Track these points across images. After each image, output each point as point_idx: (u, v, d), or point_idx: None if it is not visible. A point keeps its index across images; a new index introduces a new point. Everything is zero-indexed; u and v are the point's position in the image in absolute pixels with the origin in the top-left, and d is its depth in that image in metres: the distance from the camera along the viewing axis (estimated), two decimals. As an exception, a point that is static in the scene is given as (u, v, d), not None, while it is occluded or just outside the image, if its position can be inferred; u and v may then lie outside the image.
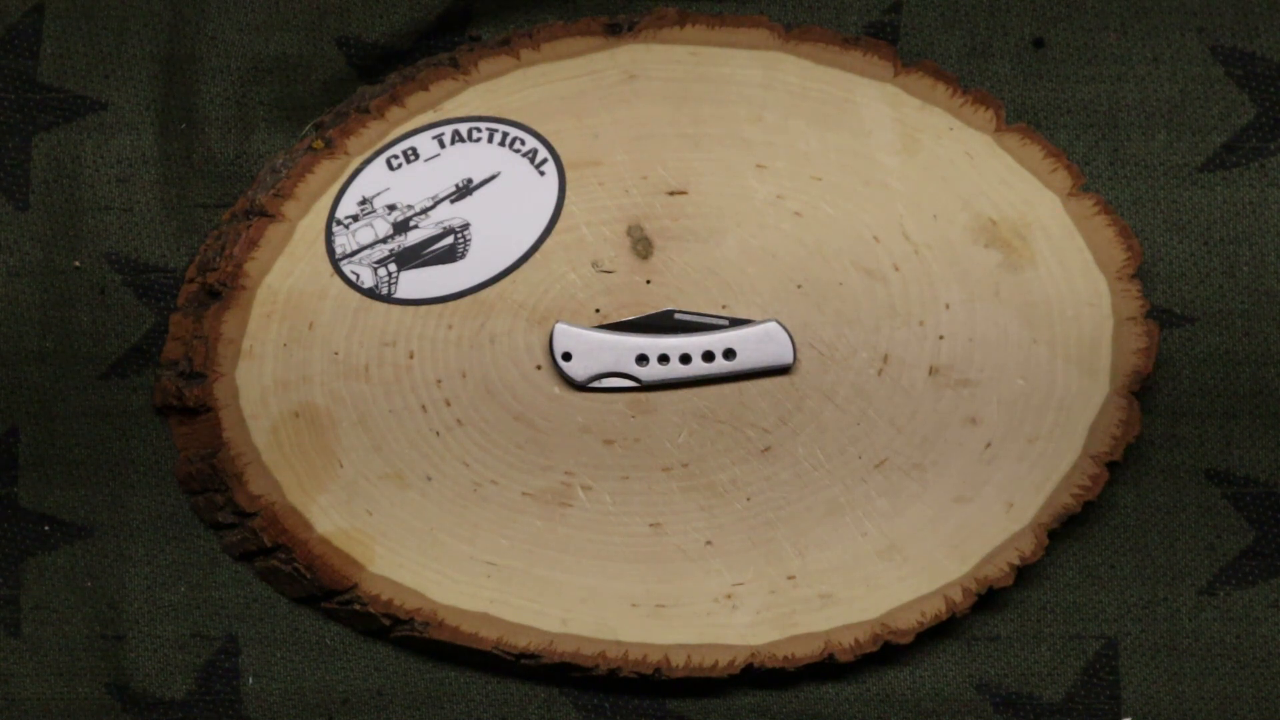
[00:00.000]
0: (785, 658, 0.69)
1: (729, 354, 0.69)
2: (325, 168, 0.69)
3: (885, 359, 0.70)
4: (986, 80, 0.72)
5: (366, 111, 0.69)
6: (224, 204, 0.71)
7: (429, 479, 0.69)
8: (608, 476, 0.70)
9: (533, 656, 0.69)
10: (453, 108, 0.69)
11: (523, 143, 0.69)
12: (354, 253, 0.69)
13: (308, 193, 0.69)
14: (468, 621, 0.69)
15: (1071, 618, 0.72)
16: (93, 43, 0.71)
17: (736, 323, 0.69)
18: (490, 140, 0.69)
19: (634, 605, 0.69)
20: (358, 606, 0.69)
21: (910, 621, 0.69)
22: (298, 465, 0.69)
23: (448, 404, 0.69)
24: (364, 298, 0.69)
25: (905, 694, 0.71)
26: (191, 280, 0.70)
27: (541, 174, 0.69)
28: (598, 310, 0.70)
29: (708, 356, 0.69)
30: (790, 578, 0.69)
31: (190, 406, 0.69)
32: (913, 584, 0.69)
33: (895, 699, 0.71)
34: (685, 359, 0.69)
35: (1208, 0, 0.72)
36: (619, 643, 0.69)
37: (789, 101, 0.70)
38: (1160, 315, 0.71)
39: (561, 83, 0.70)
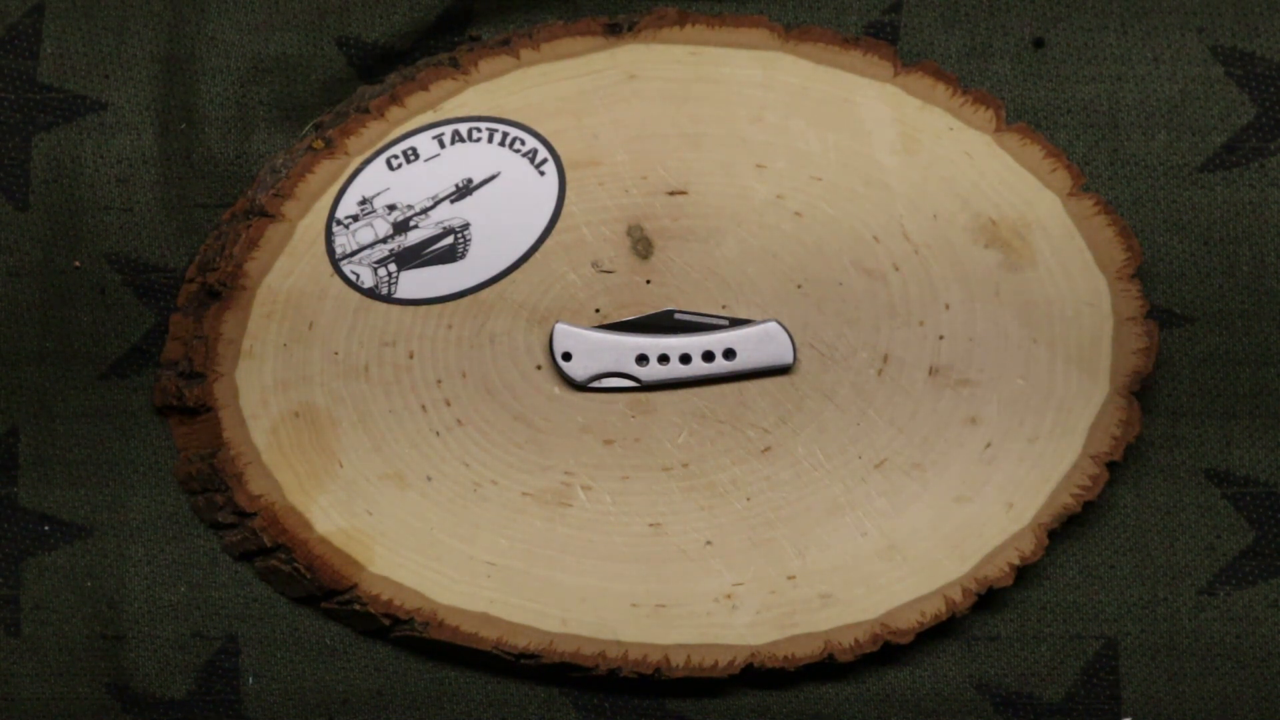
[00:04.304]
0: (785, 658, 0.69)
1: (729, 354, 0.69)
2: (325, 168, 0.69)
3: (885, 359, 0.70)
4: (986, 80, 0.72)
5: (366, 111, 0.69)
6: (224, 204, 0.71)
7: (429, 479, 0.69)
8: (608, 476, 0.70)
9: (533, 656, 0.69)
10: (453, 108, 0.69)
11: (523, 143, 0.69)
12: (354, 253, 0.69)
13: (308, 193, 0.69)
14: (468, 621, 0.69)
15: (1071, 618, 0.72)
16: (93, 43, 0.71)
17: (736, 323, 0.69)
18: (490, 140, 0.69)
19: (634, 605, 0.69)
20: (358, 606, 0.69)
21: (910, 621, 0.69)
22: (298, 465, 0.69)
23: (448, 404, 0.69)
24: (364, 298, 0.69)
25: (905, 694, 0.71)
26: (191, 280, 0.70)
27: (541, 174, 0.69)
28: (598, 310, 0.70)
29: (708, 356, 0.69)
30: (790, 578, 0.69)
31: (190, 406, 0.69)
32: (913, 584, 0.69)
33: (895, 699, 0.71)
34: (685, 359, 0.69)
35: (1208, 0, 0.72)
36: (619, 643, 0.69)
37: (789, 101, 0.70)
38: (1160, 315, 0.71)
39: (561, 83, 0.70)
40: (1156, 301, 0.71)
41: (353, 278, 0.69)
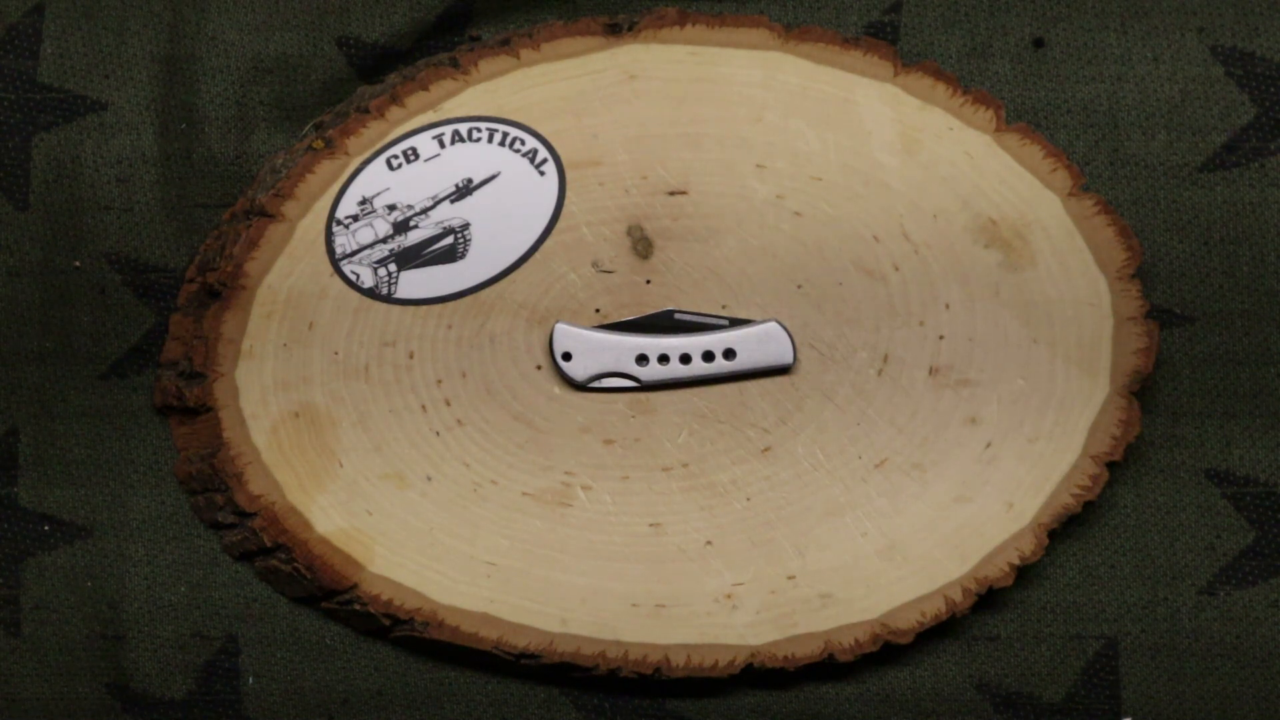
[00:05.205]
0: (785, 658, 0.69)
1: (729, 354, 0.69)
2: (325, 168, 0.69)
3: (885, 359, 0.70)
4: (986, 80, 0.72)
5: (366, 111, 0.69)
6: (224, 204, 0.71)
7: (429, 479, 0.69)
8: (608, 476, 0.70)
9: (533, 656, 0.69)
10: (453, 108, 0.69)
11: (523, 143, 0.69)
12: (354, 253, 0.69)
13: (308, 193, 0.69)
14: (468, 621, 0.69)
15: (1071, 618, 0.72)
16: (93, 43, 0.71)
17: (736, 323, 0.69)
18: (490, 140, 0.69)
19: (634, 605, 0.69)
20: (358, 606, 0.69)
21: (910, 621, 0.69)
22: (298, 465, 0.69)
23: (448, 404, 0.69)
24: (364, 298, 0.69)
25: (905, 694, 0.71)
26: (191, 280, 0.70)
27: (541, 174, 0.69)
28: (598, 310, 0.70)
29: (708, 356, 0.69)
30: (790, 578, 0.69)
31: (190, 406, 0.69)
32: (913, 584, 0.69)
33: (895, 699, 0.71)
34: (685, 359, 0.69)
35: (1208, 0, 0.72)
36: (619, 643, 0.69)
37: (789, 101, 0.70)
38: (1160, 315, 0.71)
39: (561, 83, 0.70)
40: (1156, 301, 0.71)
41: (353, 278, 0.69)
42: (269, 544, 0.69)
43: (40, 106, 0.71)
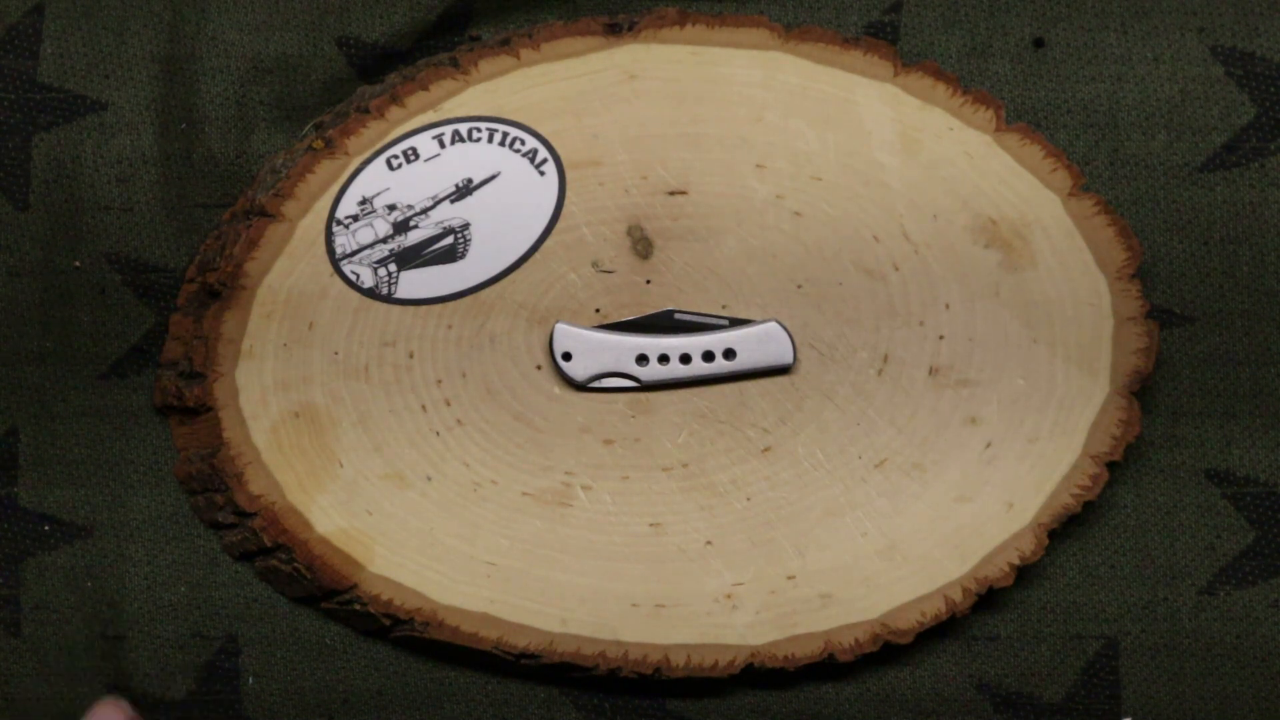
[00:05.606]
0: (785, 658, 0.69)
1: (729, 354, 0.69)
2: (325, 168, 0.69)
3: (885, 359, 0.70)
4: (986, 80, 0.72)
5: (366, 111, 0.69)
6: (224, 204, 0.71)
7: (429, 479, 0.69)
8: (608, 476, 0.70)
9: (533, 656, 0.69)
10: (453, 108, 0.69)
11: (523, 143, 0.69)
12: (354, 253, 0.69)
13: (308, 193, 0.69)
14: (468, 621, 0.69)
15: (1071, 618, 0.72)
16: (93, 43, 0.71)
17: (736, 323, 0.69)
18: (490, 140, 0.69)
19: (634, 605, 0.69)
20: (358, 606, 0.69)
21: (910, 621, 0.69)
22: (298, 465, 0.69)
23: (448, 404, 0.69)
24: (364, 298, 0.69)
25: (905, 694, 0.71)
26: (191, 280, 0.70)
27: (541, 174, 0.69)
28: (598, 310, 0.70)
29: (708, 356, 0.69)
30: (790, 578, 0.69)
31: (190, 406, 0.69)
32: (913, 584, 0.69)
33: (895, 699, 0.71)
34: (685, 359, 0.69)
35: (1208, 0, 0.72)
36: (619, 643, 0.69)
37: (789, 101, 0.70)
38: (1160, 315, 0.71)
39: (561, 83, 0.70)
40: (1156, 301, 0.71)
41: (353, 278, 0.69)
42: (269, 544, 0.69)
43: (40, 106, 0.71)
